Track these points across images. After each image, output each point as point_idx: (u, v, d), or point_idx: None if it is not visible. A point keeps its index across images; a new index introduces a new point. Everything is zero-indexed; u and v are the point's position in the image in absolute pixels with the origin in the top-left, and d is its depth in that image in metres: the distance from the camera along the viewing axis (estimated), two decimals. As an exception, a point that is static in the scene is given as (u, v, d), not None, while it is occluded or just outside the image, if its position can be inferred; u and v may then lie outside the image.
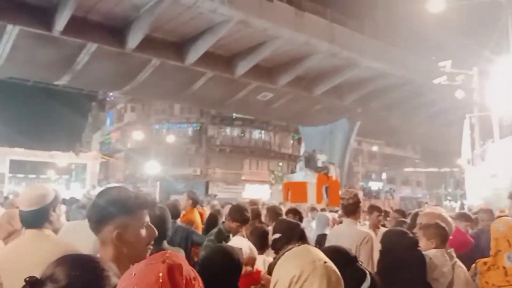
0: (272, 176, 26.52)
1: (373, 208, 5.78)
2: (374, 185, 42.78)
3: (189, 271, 1.09)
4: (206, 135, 40.14)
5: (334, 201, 16.87)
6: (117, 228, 1.55)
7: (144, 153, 34.05)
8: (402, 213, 6.38)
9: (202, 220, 6.34)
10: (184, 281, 1.05)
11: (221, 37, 19.45)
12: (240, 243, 2.84)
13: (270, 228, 3.91)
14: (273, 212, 5.34)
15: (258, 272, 2.77)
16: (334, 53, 21.91)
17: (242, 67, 21.86)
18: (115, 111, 45.45)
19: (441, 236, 2.99)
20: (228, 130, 41.45)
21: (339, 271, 1.29)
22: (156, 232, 1.64)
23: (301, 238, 3.17)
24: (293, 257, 1.32)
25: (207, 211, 9.20)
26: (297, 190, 18.82)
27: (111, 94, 45.22)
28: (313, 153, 23.64)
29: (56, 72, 20.30)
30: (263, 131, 42.58)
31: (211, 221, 5.73)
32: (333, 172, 21.08)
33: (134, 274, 1.06)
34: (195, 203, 6.34)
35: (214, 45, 20.03)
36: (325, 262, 1.28)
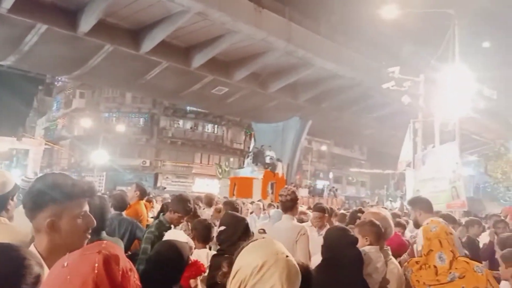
0: (219, 170, 26.33)
1: (316, 209, 5.90)
2: (321, 184, 43.84)
3: (125, 262, 1.07)
4: (158, 126, 39.49)
5: (278, 196, 17.23)
6: (51, 216, 1.49)
7: (91, 142, 33.01)
8: (322, 209, 6.55)
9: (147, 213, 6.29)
10: (120, 272, 1.03)
11: (178, 27, 19.14)
12: (174, 235, 2.85)
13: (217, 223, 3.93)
14: (231, 206, 5.38)
15: (196, 262, 2.77)
16: (290, 51, 22.18)
17: (199, 59, 21.65)
18: (62, 97, 43.67)
19: (375, 233, 3.09)
20: (180, 122, 40.97)
21: None
22: (94, 222, 1.59)
23: (245, 232, 3.24)
24: (257, 247, 1.34)
25: (157, 205, 9.07)
26: (243, 186, 19.01)
27: (59, 78, 43.39)
28: (261, 149, 23.88)
29: (1, 51, 19.22)
30: (216, 125, 42.44)
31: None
32: (280, 169, 21.36)
33: (67, 265, 1.03)
34: (142, 195, 6.20)
35: (171, 35, 19.70)
36: (287, 256, 1.30)
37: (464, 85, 13.22)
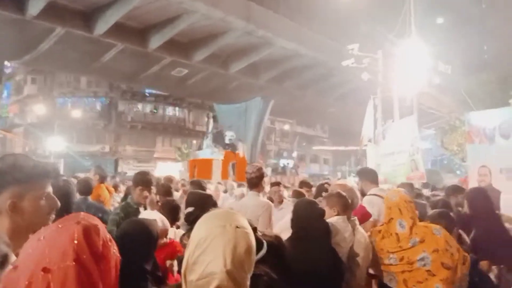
0: (178, 153, 26.12)
1: (274, 184, 6.22)
2: (285, 163, 44.35)
3: (105, 232, 1.06)
4: (116, 110, 38.56)
5: (240, 177, 17.23)
6: (12, 197, 1.47)
7: (46, 129, 31.89)
8: (307, 185, 6.78)
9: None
10: (101, 241, 1.02)
11: (133, 7, 18.64)
12: (151, 215, 2.84)
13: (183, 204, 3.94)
14: (198, 185, 5.41)
15: (173, 242, 2.78)
16: (249, 31, 22.08)
17: (156, 41, 21.20)
18: (13, 83, 41.71)
19: (342, 204, 3.22)
20: (140, 106, 40.17)
21: None
22: (58, 203, 1.57)
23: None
24: (205, 220, 1.31)
25: (123, 189, 8.95)
26: (203, 167, 18.90)
27: (8, 64, 41.33)
28: (221, 130, 23.84)
29: None
30: (177, 108, 41.90)
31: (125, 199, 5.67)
32: (241, 149, 21.40)
33: (43, 238, 1.01)
34: (102, 178, 6.21)
35: (125, 16, 19.16)
36: (237, 227, 1.25)
37: (420, 60, 13.63)
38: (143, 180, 3.97)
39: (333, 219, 3.10)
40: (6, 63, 41.04)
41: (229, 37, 22.37)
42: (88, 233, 1.00)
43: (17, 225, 1.46)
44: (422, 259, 2.94)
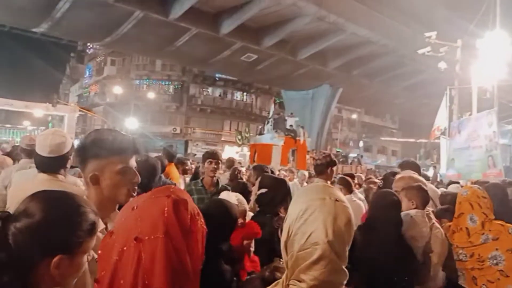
0: (239, 137, 26.20)
1: (346, 175, 5.95)
2: (351, 153, 43.47)
3: (193, 207, 1.10)
4: (188, 93, 39.64)
5: (300, 164, 16.98)
6: (94, 170, 1.54)
7: (123, 109, 33.53)
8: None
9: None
10: (189, 215, 1.05)
11: (207, -8, 18.90)
12: (228, 196, 2.84)
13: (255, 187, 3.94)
14: (260, 170, 5.40)
15: (251, 223, 2.77)
16: (321, 16, 21.57)
17: (228, 26, 21.38)
18: (94, 64, 44.25)
19: (422, 197, 3.09)
20: (210, 90, 40.98)
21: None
22: (138, 178, 1.61)
23: (287, 194, 3.18)
24: (305, 192, 1.35)
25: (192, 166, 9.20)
26: (262, 152, 18.82)
27: (90, 46, 43.88)
28: (282, 115, 23.47)
29: (34, 18, 19.49)
30: (245, 93, 42.28)
31: (194, 178, 5.83)
32: (302, 136, 20.97)
33: (136, 207, 1.05)
34: (171, 158, 6.34)
35: (200, 1, 19.46)
36: (336, 200, 1.28)
37: (503, 51, 12.60)
38: (211, 154, 4.24)
39: (411, 211, 3.00)
40: (88, 44, 43.73)
41: (299, 22, 22.03)
42: (178, 207, 1.04)
43: (100, 196, 1.55)
44: (494, 257, 2.83)
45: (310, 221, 1.24)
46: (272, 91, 41.72)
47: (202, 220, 1.11)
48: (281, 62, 25.52)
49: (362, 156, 35.70)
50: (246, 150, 25.31)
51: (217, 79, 40.01)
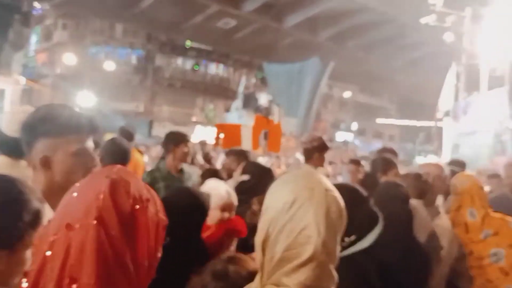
0: (204, 115, 25.95)
1: (352, 161, 6.01)
2: (343, 136, 43.89)
3: (141, 190, 1.06)
4: (153, 65, 39.24)
5: (273, 147, 17.08)
6: (44, 151, 1.52)
7: (76, 81, 33.02)
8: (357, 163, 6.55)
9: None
10: (131, 200, 1.02)
11: None
12: (217, 185, 2.84)
13: (236, 173, 3.97)
14: (242, 155, 5.35)
15: (237, 220, 2.77)
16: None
17: (201, -15, 21.16)
18: (42, 28, 43.17)
19: (419, 188, 3.13)
20: (179, 61, 40.60)
21: (349, 210, 1.27)
22: (94, 161, 1.62)
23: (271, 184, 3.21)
24: (289, 180, 1.29)
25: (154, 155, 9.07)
26: (230, 134, 18.69)
27: (38, 6, 42.74)
28: (253, 91, 23.43)
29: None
30: (221, 66, 42.02)
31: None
32: (276, 115, 20.99)
33: (75, 191, 1.04)
34: (129, 139, 6.18)
35: (168, -45, 19.16)
36: (326, 190, 1.24)
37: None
38: (184, 135, 4.29)
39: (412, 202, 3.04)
40: (35, 4, 42.63)
41: (286, -16, 21.94)
42: (116, 189, 1.01)
43: (51, 181, 1.53)
44: (494, 254, 2.92)
45: (299, 216, 1.20)
46: (253, 64, 41.56)
47: (159, 208, 1.09)
48: (264, 30, 25.42)
49: (348, 142, 36.05)
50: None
51: (188, 48, 39.63)
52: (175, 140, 4.24)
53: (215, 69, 41.93)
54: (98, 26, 38.60)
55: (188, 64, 40.88)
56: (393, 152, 4.76)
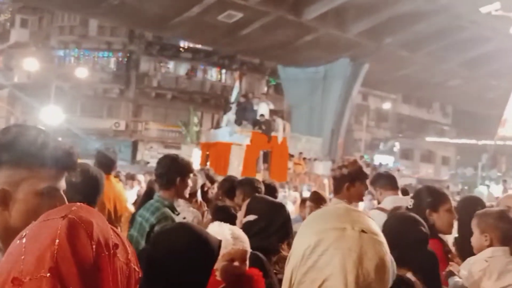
0: (184, 130, 25.34)
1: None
2: (382, 160, 43.72)
3: (107, 234, 1.07)
4: (137, 71, 39.61)
5: (277, 174, 16.83)
6: (5, 183, 1.51)
7: (39, 93, 33.28)
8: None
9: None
10: (94, 245, 1.02)
11: None
12: (220, 228, 2.84)
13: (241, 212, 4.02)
14: (250, 186, 5.37)
15: (254, 274, 2.76)
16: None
17: (198, -31, 21.45)
18: (-4, 25, 43.99)
19: (503, 231, 3.13)
20: (171, 65, 40.98)
21: (408, 248, 1.25)
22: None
23: (286, 223, 3.27)
24: (316, 219, 1.30)
25: (138, 185, 9.13)
26: (216, 155, 18.70)
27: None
28: (250, 99, 22.89)
29: None
30: (224, 71, 42.30)
31: (148, 198, 5.74)
32: (281, 130, 20.76)
33: (25, 236, 1.04)
34: (109, 167, 6.17)
35: None
36: (362, 231, 1.22)
37: None
38: (189, 164, 4.31)
39: (486, 252, 3.04)
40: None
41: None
42: (74, 232, 1.01)
43: (6, 222, 1.52)
44: None
45: (322, 264, 1.20)
46: (264, 68, 41.76)
47: (131, 257, 1.09)
48: (278, 24, 25.56)
49: (398, 170, 35.92)
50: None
51: (182, 49, 39.94)
52: (182, 170, 4.23)
53: (216, 75, 42.20)
54: (66, 22, 39.14)
55: (182, 69, 41.18)
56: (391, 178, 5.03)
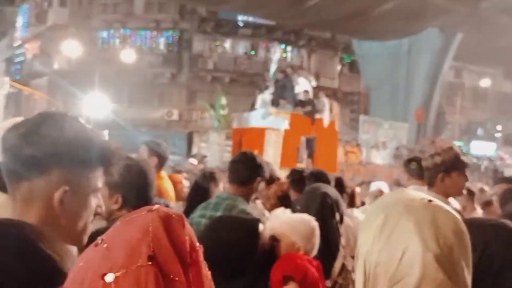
0: (211, 112, 24.92)
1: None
2: (480, 147, 42.86)
3: (193, 232, 1.12)
4: (190, 52, 39.94)
5: (324, 164, 16.50)
6: (66, 183, 1.59)
7: (82, 81, 33.96)
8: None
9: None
10: (187, 237, 1.07)
11: None
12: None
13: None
14: (319, 179, 5.45)
15: (299, 257, 2.97)
16: None
17: None
18: (32, 5, 45.10)
19: None
20: (228, 44, 41.17)
21: None
22: (103, 206, 1.76)
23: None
24: (380, 201, 1.40)
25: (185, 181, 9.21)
26: (251, 143, 18.34)
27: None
28: (289, 76, 22.10)
29: None
30: (289, 48, 42.26)
31: (198, 194, 5.82)
32: (326, 113, 20.23)
33: (101, 241, 1.08)
34: (161, 162, 6.27)
35: None
36: (430, 201, 1.31)
37: None
38: (265, 163, 4.40)
39: None
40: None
41: None
42: (169, 221, 1.06)
43: (54, 224, 1.59)
44: None
45: (396, 237, 1.27)
46: (336, 44, 41.54)
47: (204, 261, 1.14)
48: (353, -9, 25.43)
49: (501, 158, 35.21)
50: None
51: (240, 24, 40.09)
52: (263, 169, 4.33)
53: (280, 53, 42.18)
54: (109, 0, 39.79)
55: (240, 48, 41.31)
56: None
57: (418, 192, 1.38)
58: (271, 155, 17.59)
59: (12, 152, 1.61)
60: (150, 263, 0.99)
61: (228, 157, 20.67)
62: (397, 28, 29.41)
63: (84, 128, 1.68)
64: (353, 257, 4.43)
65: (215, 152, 21.72)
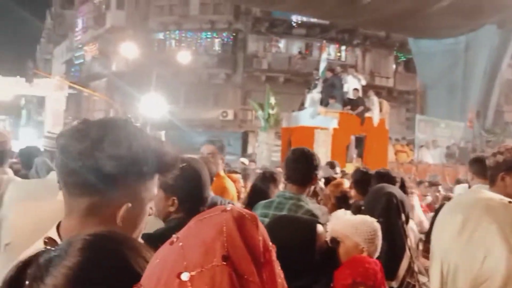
0: (259, 112, 24.49)
1: None
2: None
3: (266, 234, 1.13)
4: (245, 52, 40.08)
5: (374, 164, 16.24)
6: (129, 199, 1.62)
7: (139, 82, 34.36)
8: None
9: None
10: (261, 238, 1.08)
11: None
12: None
13: None
14: (381, 179, 5.42)
15: (365, 261, 2.96)
16: None
17: None
18: (90, 9, 45.76)
19: None
20: (282, 44, 41.17)
21: None
22: (154, 208, 1.82)
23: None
24: (453, 205, 1.42)
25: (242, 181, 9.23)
26: (300, 142, 18.16)
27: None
28: (338, 74, 21.75)
29: None
30: (343, 47, 42.02)
31: (258, 195, 5.83)
32: (376, 111, 20.01)
33: (177, 239, 1.10)
34: (223, 160, 6.37)
35: None
36: (510, 202, 1.31)
37: None
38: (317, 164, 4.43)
39: None
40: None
41: None
42: (242, 222, 1.08)
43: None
44: None
45: (478, 238, 1.26)
46: (391, 42, 41.15)
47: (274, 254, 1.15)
48: (408, -11, 25.13)
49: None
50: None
51: (294, 24, 40.01)
52: (318, 166, 4.44)
53: (334, 52, 41.93)
54: (165, 2, 40.17)
55: (295, 47, 41.26)
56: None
57: (494, 194, 1.39)
58: (320, 155, 17.39)
59: (76, 165, 1.60)
60: (224, 263, 1.01)
61: (277, 156, 20.70)
62: (454, 25, 28.95)
63: (145, 137, 1.69)
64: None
65: (264, 151, 21.66)
